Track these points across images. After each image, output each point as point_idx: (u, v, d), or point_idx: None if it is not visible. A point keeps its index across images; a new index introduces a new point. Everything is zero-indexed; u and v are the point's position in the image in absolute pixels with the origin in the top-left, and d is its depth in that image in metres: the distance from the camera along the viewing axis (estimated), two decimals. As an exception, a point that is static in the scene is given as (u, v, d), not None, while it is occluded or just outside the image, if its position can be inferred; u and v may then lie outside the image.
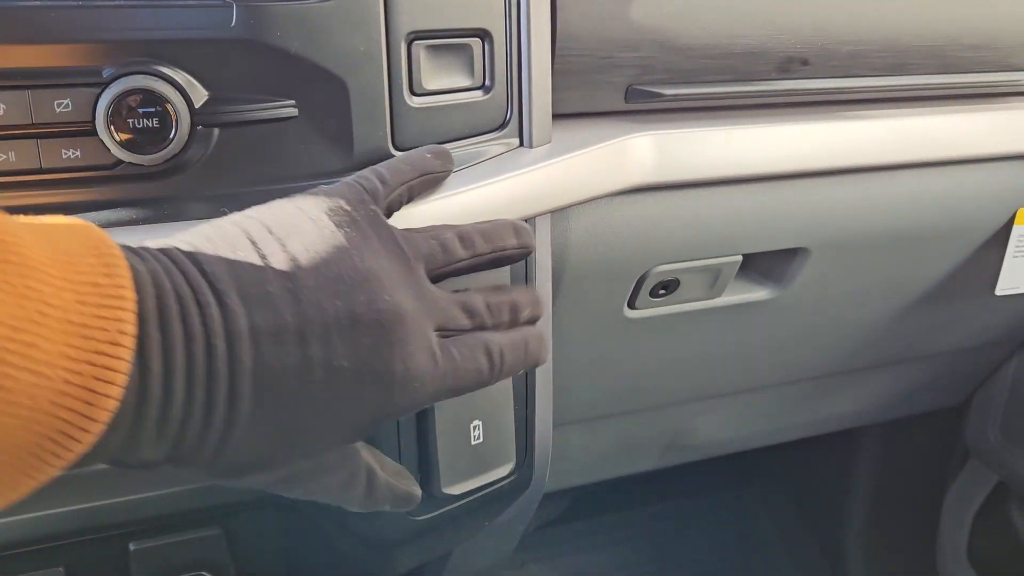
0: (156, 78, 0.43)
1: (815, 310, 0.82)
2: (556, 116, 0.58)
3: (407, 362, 0.39)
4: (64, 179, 0.44)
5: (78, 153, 0.43)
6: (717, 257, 0.70)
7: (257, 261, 0.37)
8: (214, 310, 0.35)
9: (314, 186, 0.43)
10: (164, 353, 0.33)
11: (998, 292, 0.84)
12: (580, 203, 0.58)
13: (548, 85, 0.55)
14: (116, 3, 0.43)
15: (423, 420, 0.55)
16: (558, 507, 1.36)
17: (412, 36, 0.49)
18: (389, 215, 0.45)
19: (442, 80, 0.51)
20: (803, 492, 1.44)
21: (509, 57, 0.53)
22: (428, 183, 0.48)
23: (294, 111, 0.47)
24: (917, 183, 0.73)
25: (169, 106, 0.43)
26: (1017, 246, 0.82)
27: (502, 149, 0.55)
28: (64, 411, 0.30)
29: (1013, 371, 1.11)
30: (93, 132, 0.43)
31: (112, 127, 0.43)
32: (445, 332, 0.42)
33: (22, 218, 0.32)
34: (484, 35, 0.52)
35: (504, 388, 0.58)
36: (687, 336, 0.78)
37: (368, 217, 0.42)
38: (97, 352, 0.30)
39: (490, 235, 0.45)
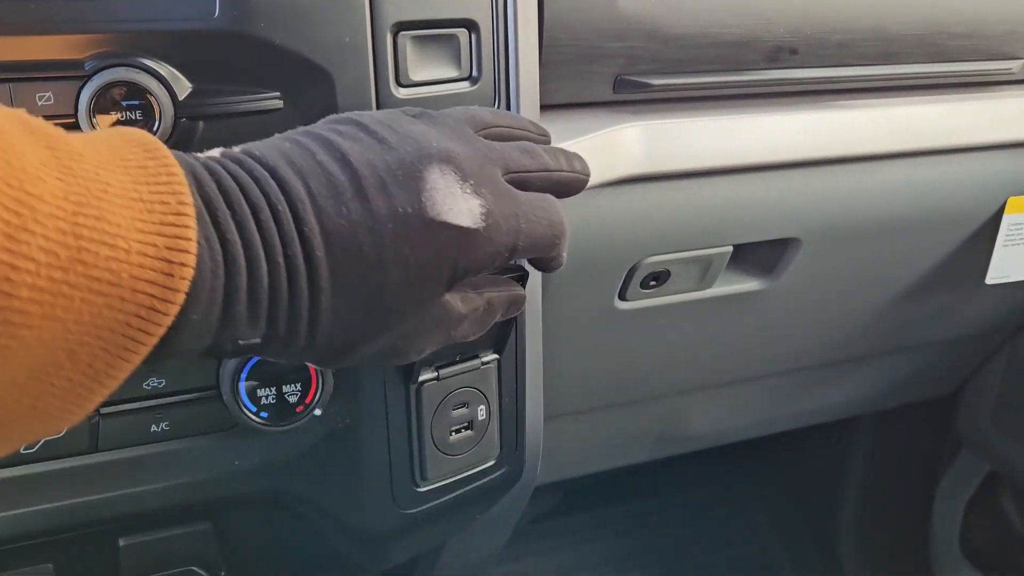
0: (139, 70, 0.43)
1: (806, 300, 0.82)
2: (544, 107, 0.58)
3: (470, 202, 0.39)
4: (47, 173, 0.44)
5: (61, 146, 0.43)
6: (708, 248, 0.70)
7: (302, 139, 0.39)
8: (270, 181, 0.36)
9: None
10: (236, 224, 0.34)
11: (988, 281, 0.84)
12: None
13: (536, 76, 0.55)
14: (97, -6, 0.42)
15: (410, 410, 0.55)
16: (552, 500, 1.37)
17: (398, 26, 0.49)
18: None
19: (429, 71, 0.51)
20: (796, 483, 1.44)
21: (496, 47, 0.53)
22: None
23: (279, 103, 0.46)
24: (907, 172, 0.73)
25: (152, 99, 0.43)
26: (1007, 235, 0.82)
27: (490, 140, 0.55)
28: (144, 284, 0.30)
29: (1005, 360, 1.12)
30: (76, 125, 0.43)
31: (95, 120, 0.42)
32: (511, 173, 0.43)
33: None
34: (471, 25, 0.51)
35: (489, 379, 0.58)
36: (678, 327, 0.78)
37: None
38: (164, 223, 0.31)
39: (557, 155, 0.46)
